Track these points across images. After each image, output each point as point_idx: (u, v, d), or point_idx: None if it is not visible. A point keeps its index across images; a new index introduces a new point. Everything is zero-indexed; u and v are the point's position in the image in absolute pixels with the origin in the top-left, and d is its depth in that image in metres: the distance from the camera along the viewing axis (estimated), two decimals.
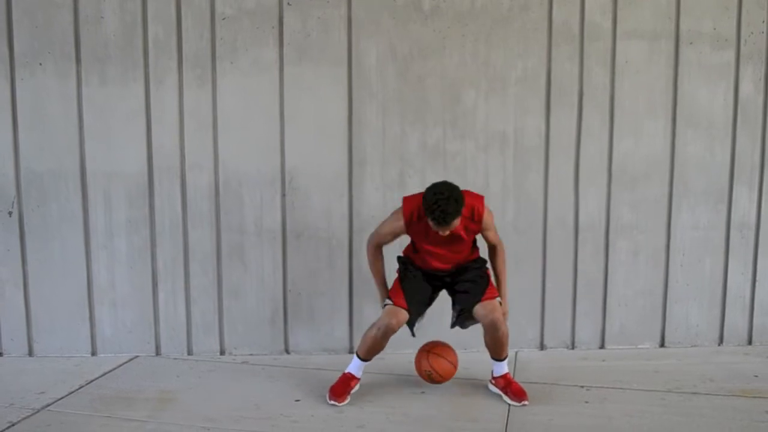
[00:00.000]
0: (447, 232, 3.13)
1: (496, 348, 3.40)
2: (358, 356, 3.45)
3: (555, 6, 3.96)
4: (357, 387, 3.49)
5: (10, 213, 4.02)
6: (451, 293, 3.46)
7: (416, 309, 3.37)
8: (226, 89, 3.98)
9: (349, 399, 3.41)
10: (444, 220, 3.05)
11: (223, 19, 3.94)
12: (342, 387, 3.43)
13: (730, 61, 4.01)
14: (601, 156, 4.04)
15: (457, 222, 3.12)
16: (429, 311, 3.48)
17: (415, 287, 3.39)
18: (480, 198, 3.28)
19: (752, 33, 3.99)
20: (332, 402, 3.37)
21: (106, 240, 4.05)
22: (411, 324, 3.39)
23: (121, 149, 4.00)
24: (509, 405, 3.33)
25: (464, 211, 3.15)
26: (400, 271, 3.47)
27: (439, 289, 3.48)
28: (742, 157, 4.07)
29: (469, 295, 3.35)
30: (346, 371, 3.46)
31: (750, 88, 4.03)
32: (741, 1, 3.97)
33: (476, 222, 3.26)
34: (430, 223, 3.11)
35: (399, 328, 3.35)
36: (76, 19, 3.91)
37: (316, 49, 3.96)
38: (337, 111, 4.00)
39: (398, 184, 3.99)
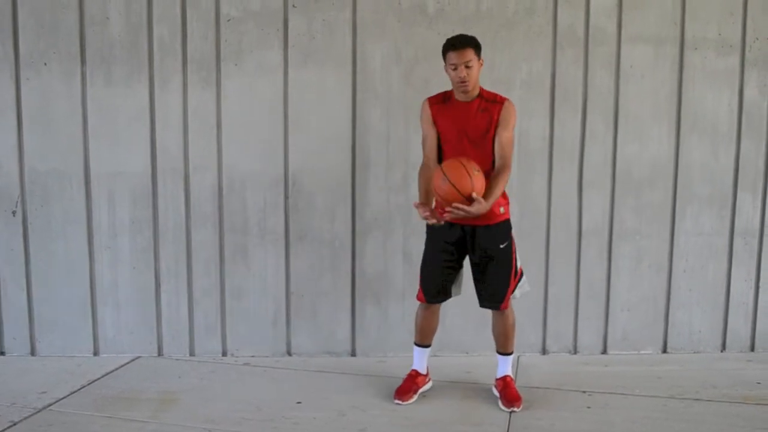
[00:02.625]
0: (463, 61, 3.15)
1: (501, 338, 3.46)
2: (415, 344, 3.52)
3: (560, 10, 3.95)
4: (429, 386, 3.55)
5: (13, 212, 4.02)
6: (475, 270, 3.40)
7: (437, 294, 3.40)
8: (231, 91, 3.99)
9: (415, 398, 3.43)
10: (460, 41, 3.18)
11: (228, 20, 3.95)
12: (407, 385, 3.46)
13: (735, 67, 4.01)
14: (605, 160, 4.04)
15: (474, 54, 3.18)
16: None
17: (434, 279, 3.39)
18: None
19: (757, 39, 3.98)
20: (396, 401, 3.39)
21: (109, 240, 4.05)
22: (444, 298, 3.43)
23: (125, 150, 4.00)
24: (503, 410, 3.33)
25: (485, 92, 3.29)
26: (424, 246, 3.44)
27: (461, 258, 3.41)
28: (746, 163, 4.06)
29: (488, 289, 3.36)
30: (411, 368, 3.52)
31: (755, 93, 4.02)
32: (746, 7, 3.97)
33: (498, 103, 3.26)
34: (450, 57, 3.18)
35: (436, 307, 3.47)
36: (81, 19, 3.92)
37: (321, 52, 3.97)
38: (342, 113, 4.00)
39: (402, 186, 3.99)
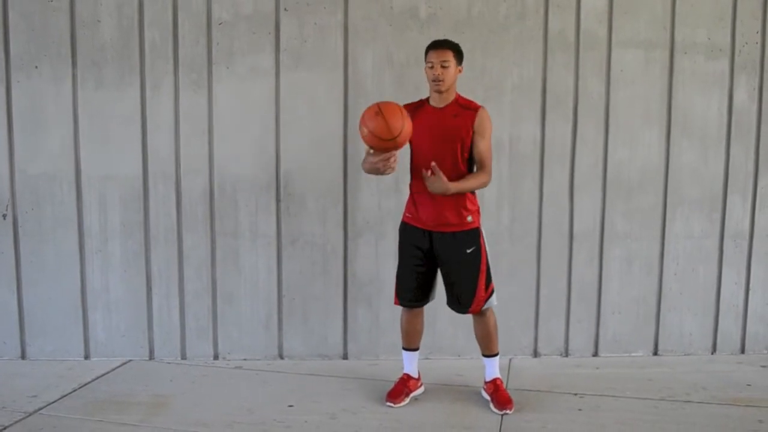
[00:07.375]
0: (440, 60, 3.20)
1: (484, 340, 3.45)
2: (403, 348, 3.54)
3: (551, 15, 3.97)
4: (420, 390, 3.55)
5: (4, 216, 4.01)
6: (443, 276, 3.43)
7: (411, 298, 3.44)
8: (222, 94, 3.99)
9: (407, 401, 3.45)
10: (441, 41, 3.27)
11: (220, 24, 3.95)
12: (399, 388, 3.48)
13: (725, 71, 4.04)
14: (596, 164, 4.06)
15: (452, 56, 3.22)
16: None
17: (407, 283, 3.44)
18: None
19: (746, 43, 4.01)
20: (388, 404, 3.41)
21: (100, 244, 4.04)
22: (419, 302, 3.46)
23: (116, 153, 4.00)
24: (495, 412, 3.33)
25: (460, 98, 3.31)
26: (398, 253, 3.48)
27: (434, 263, 3.41)
28: (736, 167, 4.09)
29: (454, 293, 3.38)
30: (403, 372, 3.54)
31: (744, 97, 4.05)
32: (735, 12, 3.99)
33: (472, 110, 3.27)
34: (429, 55, 3.24)
35: (418, 311, 3.50)
36: (72, 22, 3.92)
37: (313, 55, 3.97)
38: (333, 117, 4.00)
39: (394, 190, 4.00)
